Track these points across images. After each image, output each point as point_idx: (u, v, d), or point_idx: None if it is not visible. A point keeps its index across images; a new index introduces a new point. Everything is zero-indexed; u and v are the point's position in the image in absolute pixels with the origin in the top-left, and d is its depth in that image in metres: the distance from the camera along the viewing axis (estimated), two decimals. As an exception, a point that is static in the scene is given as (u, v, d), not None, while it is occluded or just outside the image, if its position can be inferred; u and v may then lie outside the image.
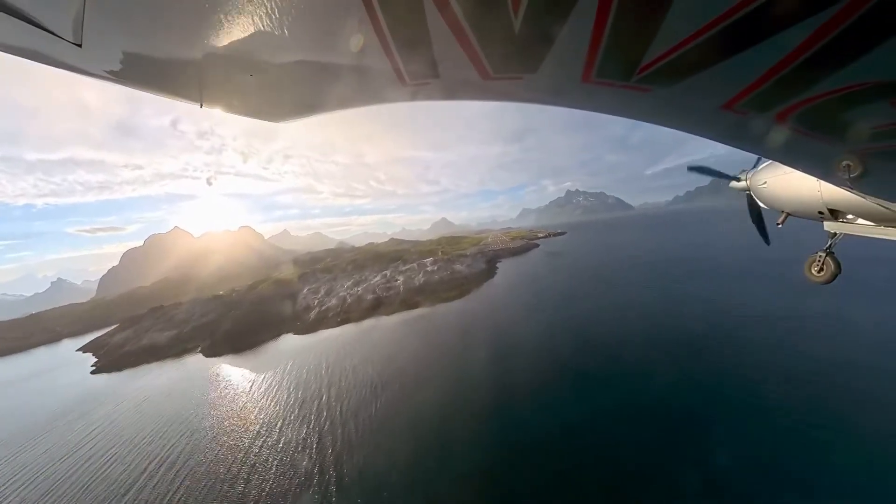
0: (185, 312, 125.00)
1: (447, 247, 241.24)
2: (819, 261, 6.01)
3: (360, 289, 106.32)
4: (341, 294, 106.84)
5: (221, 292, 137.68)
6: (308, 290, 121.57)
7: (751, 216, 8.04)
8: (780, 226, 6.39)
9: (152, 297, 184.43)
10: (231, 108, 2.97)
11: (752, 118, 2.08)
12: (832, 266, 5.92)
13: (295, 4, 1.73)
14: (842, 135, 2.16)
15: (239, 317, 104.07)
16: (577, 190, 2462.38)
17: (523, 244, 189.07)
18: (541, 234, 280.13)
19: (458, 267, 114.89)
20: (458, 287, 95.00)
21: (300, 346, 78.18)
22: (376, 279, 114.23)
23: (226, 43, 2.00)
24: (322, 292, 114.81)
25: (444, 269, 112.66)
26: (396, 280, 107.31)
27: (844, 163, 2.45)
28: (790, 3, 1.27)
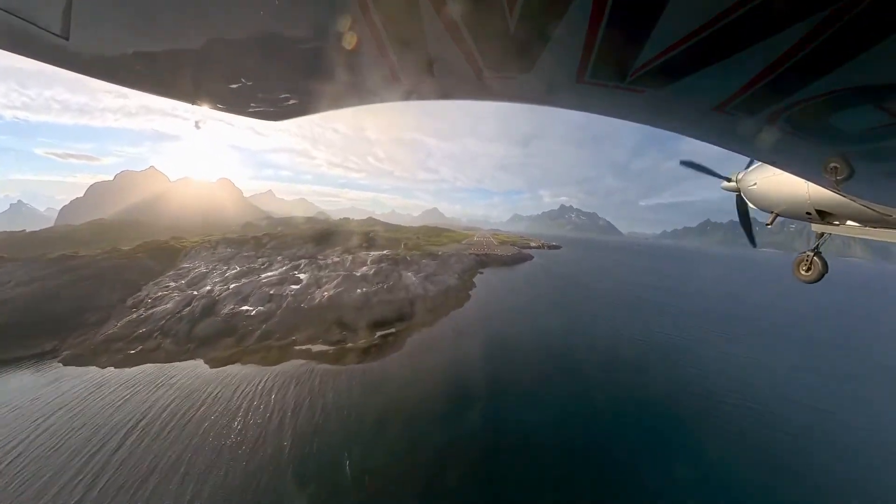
0: (4, 275, 78.55)
1: (421, 237, 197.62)
2: (807, 260, 6.04)
3: (232, 287, 61.81)
4: (201, 291, 62.13)
5: (95, 252, 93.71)
6: (175, 272, 76.43)
7: (739, 218, 7.88)
8: (769, 226, 6.31)
9: (66, 240, 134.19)
10: (225, 106, 2.89)
11: (743, 120, 2.11)
12: (819, 266, 5.95)
13: (288, 2, 1.70)
14: (830, 137, 2.20)
15: (28, 303, 58.88)
16: (571, 206, 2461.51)
17: (514, 253, 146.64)
18: (534, 244, 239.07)
19: (408, 277, 71.21)
20: (384, 323, 50.68)
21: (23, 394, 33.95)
22: (273, 273, 69.86)
23: (217, 40, 1.95)
24: (183, 282, 69.77)
25: (383, 276, 69.03)
26: (295, 281, 63.23)
27: (832, 165, 2.46)
28: (780, 8, 1.28)
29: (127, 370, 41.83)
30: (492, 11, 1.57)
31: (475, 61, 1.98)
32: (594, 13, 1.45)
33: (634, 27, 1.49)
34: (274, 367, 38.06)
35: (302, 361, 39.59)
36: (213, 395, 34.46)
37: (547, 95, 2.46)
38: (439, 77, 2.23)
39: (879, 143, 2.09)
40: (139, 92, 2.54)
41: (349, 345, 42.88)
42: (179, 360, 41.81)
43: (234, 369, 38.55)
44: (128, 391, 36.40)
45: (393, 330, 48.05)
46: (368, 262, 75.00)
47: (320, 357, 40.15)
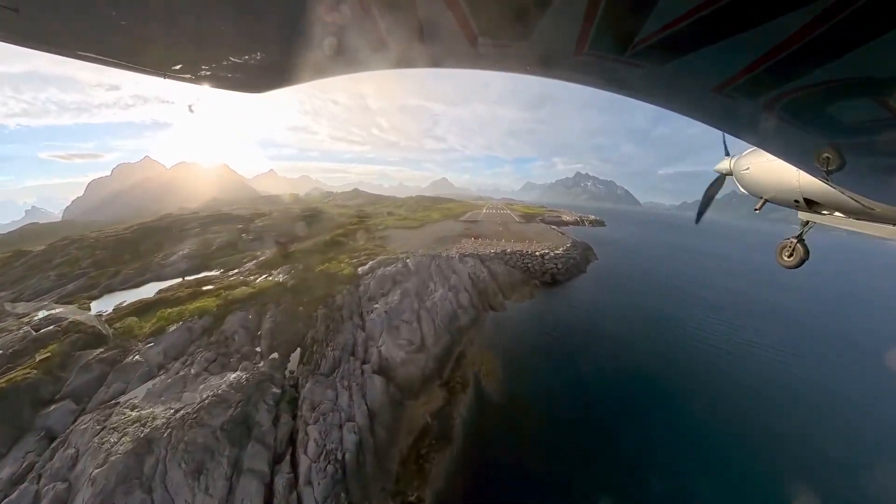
0: None
1: (401, 213, 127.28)
2: (790, 246, 6.15)
3: None
4: None
5: None
6: None
7: (705, 192, 8.18)
8: (757, 211, 6.42)
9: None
10: (199, 78, 2.70)
11: (741, 104, 2.06)
12: (801, 252, 6.05)
13: None
14: (825, 127, 2.18)
15: None
16: (587, 174, 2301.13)
17: (566, 250, 74.13)
18: (567, 217, 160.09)
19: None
20: None
21: None
22: None
23: (188, 3, 1.81)
24: None
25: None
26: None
27: (824, 155, 2.43)
28: None
29: None
30: None
31: (469, 26, 1.82)
32: None
33: None
34: None
35: None
36: None
37: (544, 66, 2.36)
38: (429, 43, 2.05)
39: (872, 137, 2.06)
40: (109, 69, 2.29)
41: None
42: None
43: None
44: None
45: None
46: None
47: None
